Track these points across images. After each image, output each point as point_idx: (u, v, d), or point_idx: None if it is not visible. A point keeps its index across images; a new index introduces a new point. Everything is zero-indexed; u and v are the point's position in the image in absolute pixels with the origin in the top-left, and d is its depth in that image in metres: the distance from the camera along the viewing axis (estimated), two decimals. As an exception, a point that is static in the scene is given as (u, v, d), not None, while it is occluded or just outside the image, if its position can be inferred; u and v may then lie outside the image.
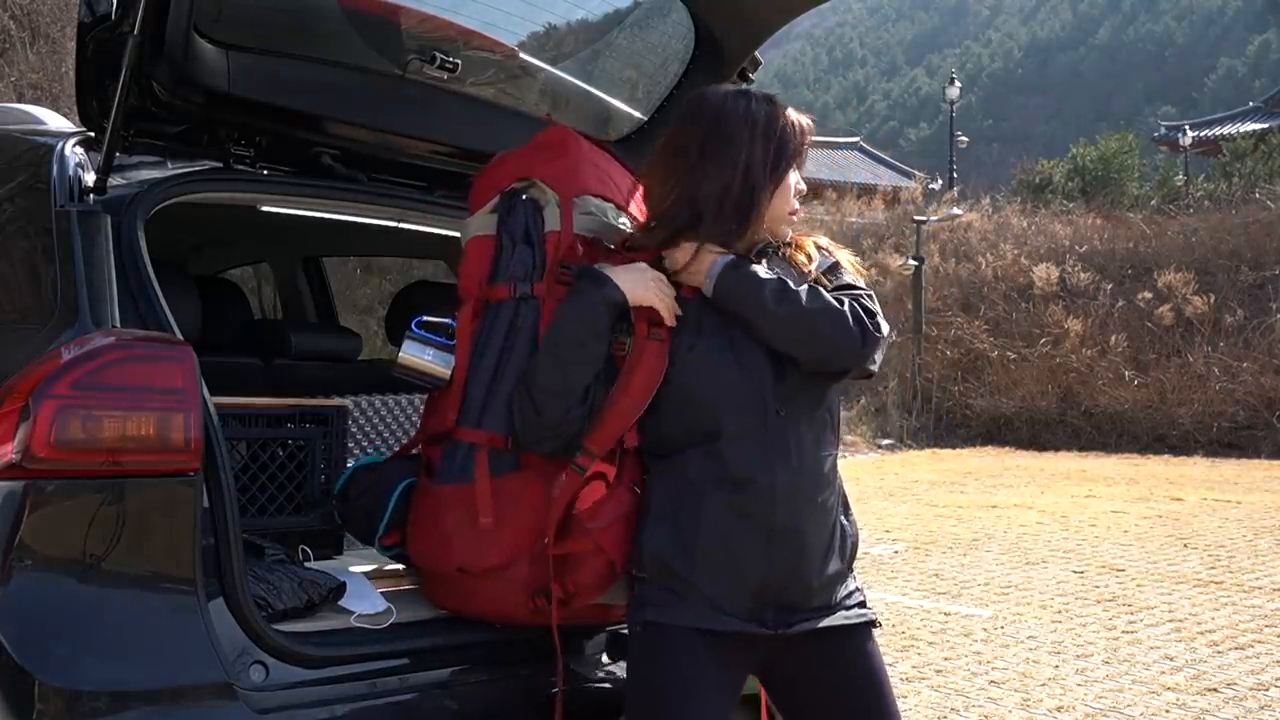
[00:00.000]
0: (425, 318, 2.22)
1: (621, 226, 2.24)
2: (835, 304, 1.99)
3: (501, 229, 2.21)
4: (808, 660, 2.03)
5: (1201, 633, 5.76)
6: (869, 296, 2.06)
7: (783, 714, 2.14)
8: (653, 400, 1.99)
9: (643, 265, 2.06)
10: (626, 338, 2.03)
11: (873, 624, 2.08)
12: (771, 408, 1.97)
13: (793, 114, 2.09)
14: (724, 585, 1.95)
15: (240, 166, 2.58)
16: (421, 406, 3.25)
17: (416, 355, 2.19)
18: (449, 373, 2.17)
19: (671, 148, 2.10)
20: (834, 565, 2.03)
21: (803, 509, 1.98)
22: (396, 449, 3.22)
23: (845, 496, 2.12)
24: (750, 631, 1.96)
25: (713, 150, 2.03)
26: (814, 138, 2.14)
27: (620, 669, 2.36)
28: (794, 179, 2.09)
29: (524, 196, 2.23)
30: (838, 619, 2.02)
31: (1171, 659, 5.25)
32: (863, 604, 2.09)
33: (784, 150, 2.05)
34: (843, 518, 2.08)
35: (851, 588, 2.08)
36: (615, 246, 2.17)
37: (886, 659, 2.18)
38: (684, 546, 1.97)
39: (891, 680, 2.11)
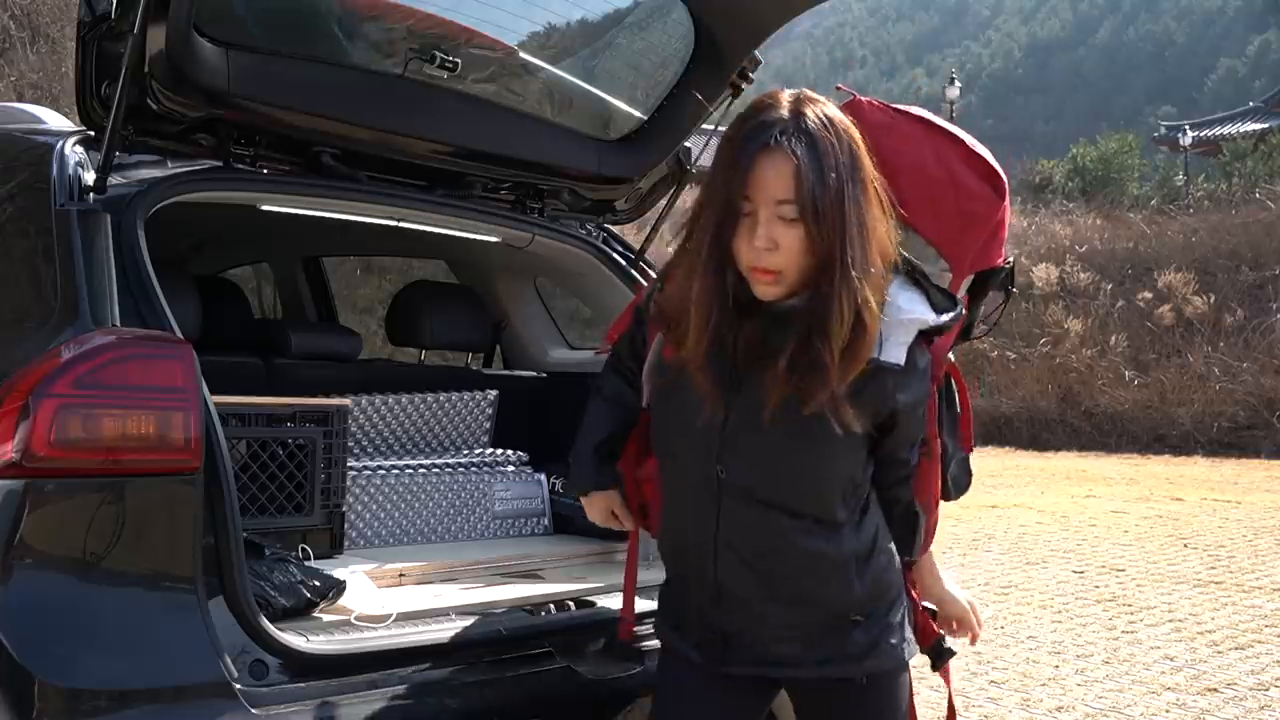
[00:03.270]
0: None
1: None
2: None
3: None
4: (798, 708, 2.03)
5: (1201, 633, 5.75)
6: None
7: None
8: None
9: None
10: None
11: (852, 682, 1.90)
12: (712, 465, 1.83)
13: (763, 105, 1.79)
14: (679, 614, 2.00)
15: (240, 166, 2.59)
16: (423, 406, 3.27)
17: None
18: None
19: None
20: (792, 626, 1.88)
21: (743, 573, 1.86)
22: (397, 449, 3.24)
23: (869, 557, 1.88)
24: (696, 661, 1.95)
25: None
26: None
27: (620, 669, 2.36)
28: (761, 216, 1.74)
29: None
30: (801, 672, 1.91)
31: (1171, 659, 5.25)
32: (847, 658, 1.88)
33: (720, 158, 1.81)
34: (828, 583, 1.86)
35: (832, 643, 1.89)
36: None
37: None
38: (666, 563, 2.07)
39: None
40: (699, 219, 1.81)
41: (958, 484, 2.11)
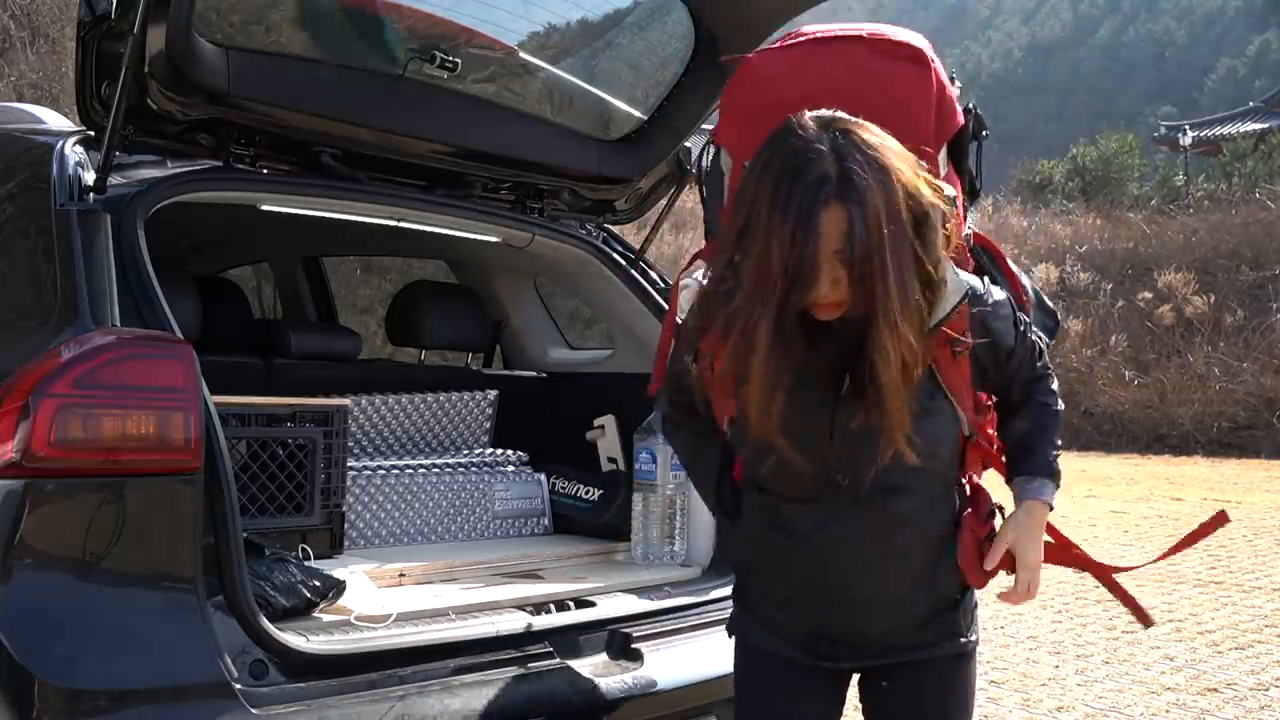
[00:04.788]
0: None
1: None
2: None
3: None
4: (877, 688, 2.01)
5: (1201, 633, 5.75)
6: None
7: None
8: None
9: None
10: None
11: (958, 656, 1.96)
12: (825, 473, 1.84)
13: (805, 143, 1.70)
14: (775, 618, 1.98)
15: (240, 166, 2.59)
16: (423, 407, 3.27)
17: None
18: None
19: None
20: (907, 613, 1.92)
21: (864, 572, 1.88)
22: (397, 449, 3.24)
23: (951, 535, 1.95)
24: (802, 660, 1.96)
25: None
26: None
27: (619, 669, 2.37)
28: (823, 265, 1.68)
29: None
30: (906, 656, 1.94)
31: (1171, 659, 5.25)
32: (948, 636, 1.95)
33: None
34: (935, 563, 1.91)
35: (934, 625, 1.94)
36: None
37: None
38: (753, 574, 2.03)
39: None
40: (758, 276, 1.69)
41: (1045, 328, 2.09)
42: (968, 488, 2.00)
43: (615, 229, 3.40)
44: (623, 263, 3.23)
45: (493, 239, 3.25)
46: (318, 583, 2.26)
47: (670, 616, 2.57)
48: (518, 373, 3.76)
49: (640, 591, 2.63)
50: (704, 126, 3.18)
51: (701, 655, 2.46)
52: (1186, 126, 30.27)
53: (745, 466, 1.98)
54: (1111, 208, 22.63)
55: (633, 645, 2.40)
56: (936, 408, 1.86)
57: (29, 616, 1.81)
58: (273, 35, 2.54)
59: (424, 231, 3.15)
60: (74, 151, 2.31)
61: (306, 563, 2.46)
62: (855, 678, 2.03)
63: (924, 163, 1.82)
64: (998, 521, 2.00)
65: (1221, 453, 16.11)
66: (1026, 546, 1.94)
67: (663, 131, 3.11)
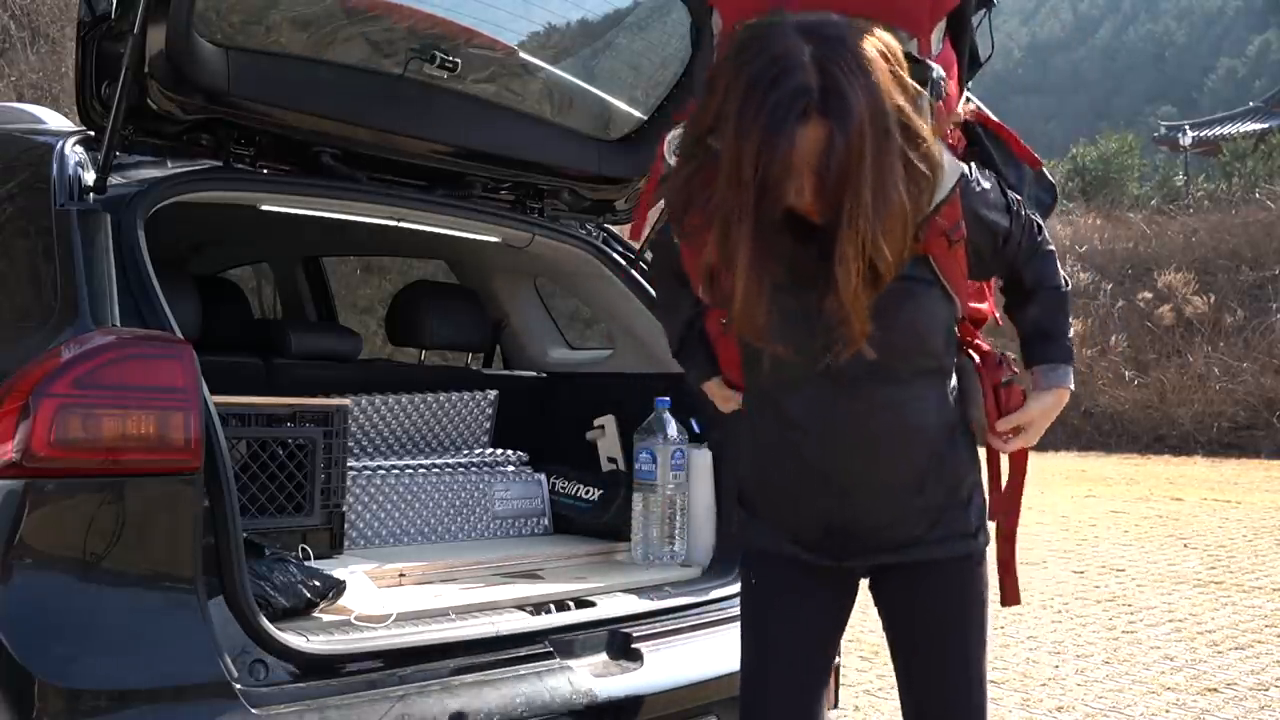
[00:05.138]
0: None
1: None
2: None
3: None
4: (892, 591, 2.03)
5: (1201, 633, 5.75)
6: None
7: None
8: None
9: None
10: None
11: (967, 557, 2.00)
12: (819, 359, 1.82)
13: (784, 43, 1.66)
14: (786, 518, 1.99)
15: (240, 166, 2.59)
16: (423, 406, 3.27)
17: None
18: None
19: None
20: (905, 506, 1.93)
21: (849, 458, 1.89)
22: (397, 449, 3.24)
23: (957, 427, 1.96)
24: (813, 562, 1.97)
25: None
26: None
27: (619, 669, 2.37)
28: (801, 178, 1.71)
29: None
30: (913, 554, 1.95)
31: (1171, 659, 5.25)
32: (955, 535, 1.97)
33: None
34: (940, 454, 1.92)
35: (945, 521, 1.96)
36: None
37: (888, 655, 2.15)
38: (756, 478, 2.04)
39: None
40: (729, 180, 1.68)
41: (1041, 204, 2.13)
42: (970, 353, 2.02)
43: (615, 229, 3.40)
44: (623, 263, 3.23)
45: (492, 239, 3.25)
46: (318, 583, 2.27)
47: (670, 616, 2.57)
48: (518, 373, 3.76)
49: (640, 591, 2.63)
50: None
51: (701, 655, 2.46)
52: (1186, 126, 30.25)
53: (744, 364, 2.02)
54: (1111, 208, 22.62)
55: (633, 645, 2.41)
56: (931, 295, 1.88)
57: (29, 616, 1.81)
58: (273, 35, 2.54)
59: (424, 231, 3.15)
60: (74, 151, 2.31)
61: (306, 563, 2.46)
62: (865, 582, 2.04)
63: (915, 39, 1.83)
64: (1004, 377, 2.03)
65: (1221, 453, 16.10)
66: (1040, 427, 2.05)
67: (663, 131, 3.11)
